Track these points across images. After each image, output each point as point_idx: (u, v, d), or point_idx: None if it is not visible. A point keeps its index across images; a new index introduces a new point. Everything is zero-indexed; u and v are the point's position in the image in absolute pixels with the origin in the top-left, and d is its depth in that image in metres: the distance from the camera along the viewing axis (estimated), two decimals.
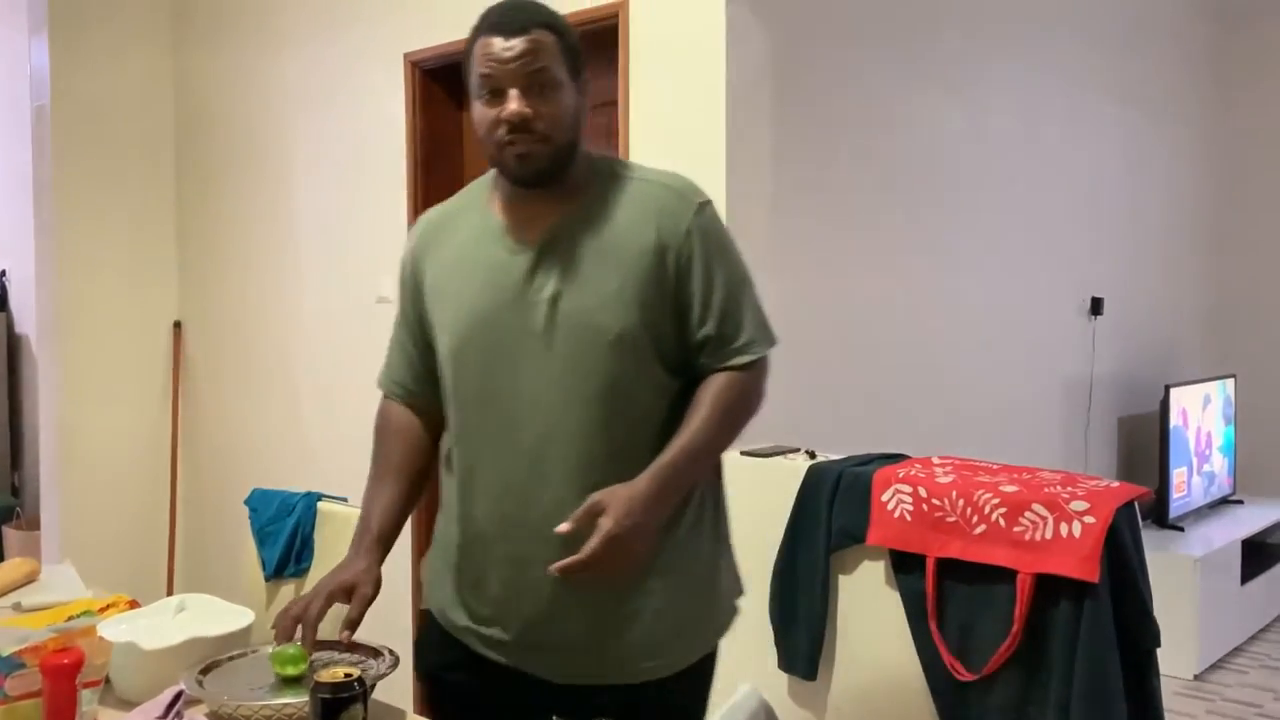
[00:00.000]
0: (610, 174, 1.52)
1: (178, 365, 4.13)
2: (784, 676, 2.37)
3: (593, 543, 1.34)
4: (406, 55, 3.18)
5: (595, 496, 1.37)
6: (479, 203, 1.57)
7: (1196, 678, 3.82)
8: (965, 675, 2.05)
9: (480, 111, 1.45)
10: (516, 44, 1.40)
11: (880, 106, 3.20)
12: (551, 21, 1.45)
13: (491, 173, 1.55)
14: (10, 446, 5.15)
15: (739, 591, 1.65)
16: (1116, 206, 4.52)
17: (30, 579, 2.36)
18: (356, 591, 1.49)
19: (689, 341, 1.49)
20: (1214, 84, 5.30)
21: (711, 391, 1.48)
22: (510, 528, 1.48)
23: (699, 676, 1.56)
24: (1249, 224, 5.35)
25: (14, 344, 5.19)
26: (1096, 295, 4.32)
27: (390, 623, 3.18)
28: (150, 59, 4.08)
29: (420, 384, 1.63)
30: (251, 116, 3.81)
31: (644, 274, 1.46)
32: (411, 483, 1.63)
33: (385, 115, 3.27)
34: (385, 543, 1.58)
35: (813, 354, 2.98)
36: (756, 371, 1.52)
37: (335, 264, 3.51)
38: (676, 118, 2.57)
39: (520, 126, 1.41)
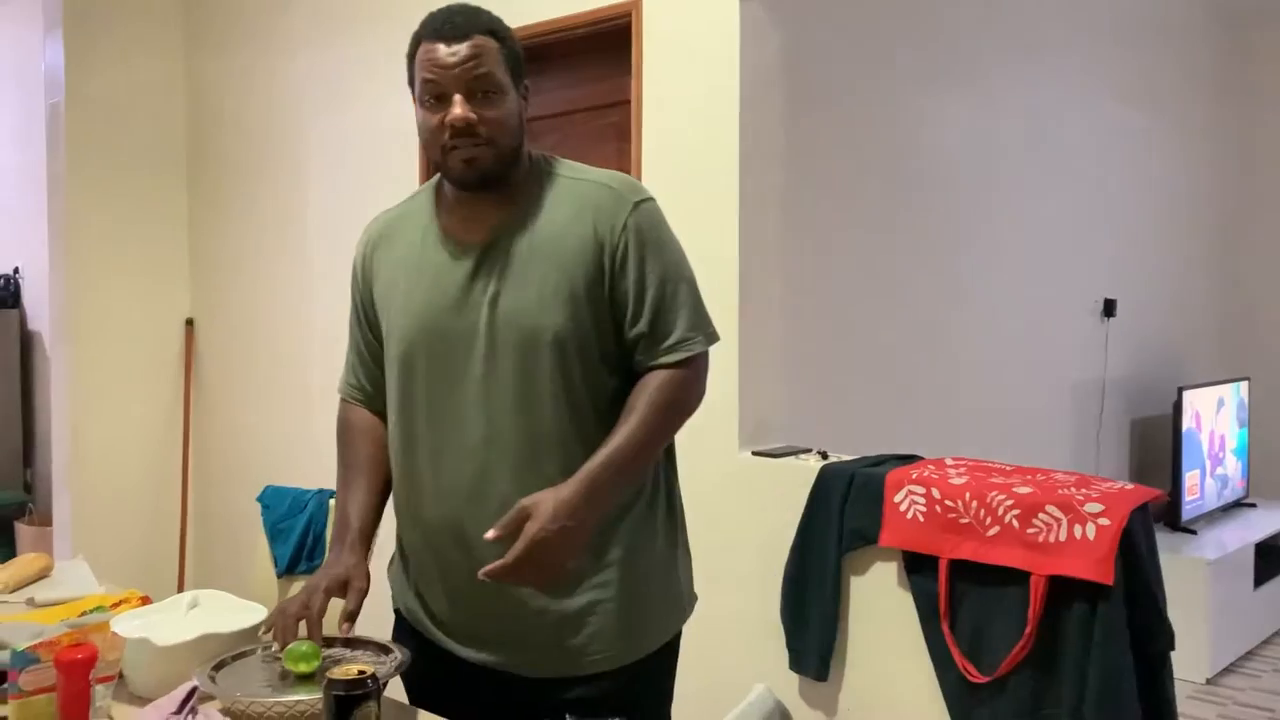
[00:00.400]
0: (551, 175, 1.54)
1: (189, 363, 4.15)
2: (796, 677, 2.37)
3: (517, 547, 1.35)
4: (407, 64, 3.17)
5: (523, 501, 1.39)
6: (425, 207, 1.59)
7: (1209, 681, 3.81)
8: (978, 677, 2.04)
9: (423, 116, 1.47)
10: (459, 49, 1.42)
11: (893, 107, 3.19)
12: (493, 27, 1.47)
13: (437, 177, 1.57)
14: (23, 443, 5.17)
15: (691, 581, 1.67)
16: (1129, 208, 4.51)
17: (43, 574, 2.37)
18: (351, 585, 1.51)
19: (625, 337, 1.51)
20: (1227, 86, 5.28)
21: (645, 392, 1.48)
22: (458, 529, 1.50)
23: (660, 662, 1.58)
24: (1263, 226, 5.33)
25: (27, 341, 5.21)
26: (1109, 297, 4.31)
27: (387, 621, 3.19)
28: (163, 59, 4.09)
29: (378, 387, 1.65)
30: (263, 116, 3.82)
31: (581, 272, 1.47)
32: (383, 480, 1.64)
33: (398, 114, 3.27)
34: (367, 539, 1.60)
35: (824, 354, 2.98)
36: (693, 369, 1.52)
37: (345, 263, 3.50)
38: (689, 117, 2.57)
39: (464, 131, 1.43)
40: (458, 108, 1.42)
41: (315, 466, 3.55)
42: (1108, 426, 4.35)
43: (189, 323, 4.16)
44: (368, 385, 1.67)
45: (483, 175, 1.47)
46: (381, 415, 1.65)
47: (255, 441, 3.89)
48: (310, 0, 3.60)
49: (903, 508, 2.16)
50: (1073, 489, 2.01)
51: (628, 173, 2.64)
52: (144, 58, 4.03)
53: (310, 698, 1.41)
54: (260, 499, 2.53)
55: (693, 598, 1.65)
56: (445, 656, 1.58)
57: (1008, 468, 2.22)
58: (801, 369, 2.80)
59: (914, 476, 2.17)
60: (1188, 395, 4.21)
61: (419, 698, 1.64)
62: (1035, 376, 3.93)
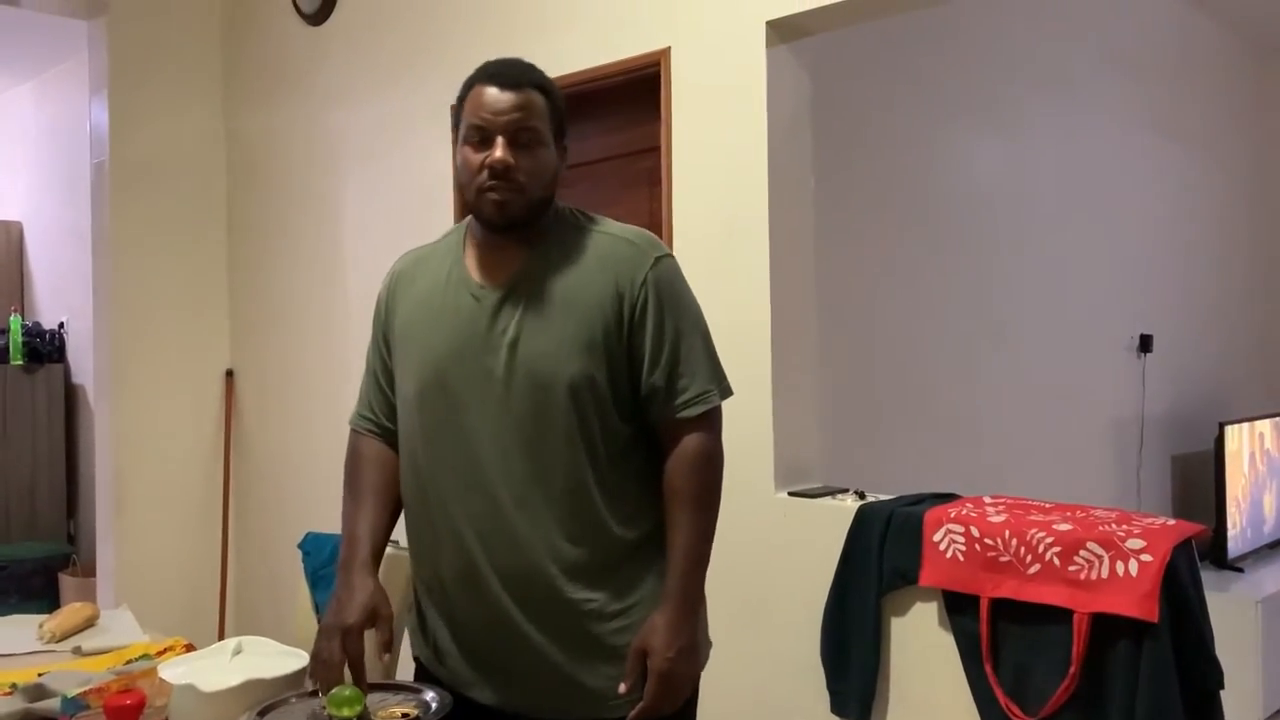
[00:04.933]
0: (577, 226, 1.59)
1: (230, 413, 4.20)
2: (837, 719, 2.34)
3: (652, 688, 1.43)
4: (453, 108, 3.24)
5: (635, 643, 1.46)
6: (452, 248, 1.63)
7: None
8: (1022, 718, 2.01)
9: (465, 155, 1.52)
10: (511, 97, 1.49)
11: (923, 147, 3.21)
12: (544, 84, 1.54)
13: (468, 219, 1.62)
14: (66, 495, 5.25)
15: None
16: (1164, 243, 4.49)
17: (89, 623, 2.40)
18: (379, 615, 1.51)
19: (640, 390, 1.54)
20: (1262, 117, 5.26)
21: (680, 485, 1.52)
22: (470, 569, 1.52)
23: (680, 710, 1.57)
24: None
25: (71, 394, 5.31)
26: (1145, 333, 4.28)
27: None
28: (203, 116, 4.20)
29: (393, 419, 1.67)
30: (301, 170, 3.90)
31: (600, 322, 1.51)
32: (393, 507, 1.66)
33: (433, 166, 3.33)
34: (378, 559, 1.60)
35: (858, 394, 2.98)
36: (710, 424, 1.56)
37: None
38: (719, 162, 2.60)
39: (501, 174, 1.48)
40: (499, 150, 1.48)
41: None
42: (1148, 463, 4.30)
43: (229, 374, 4.23)
44: (383, 418, 1.70)
45: (511, 219, 1.52)
46: (393, 448, 1.67)
47: (295, 489, 3.93)
48: (345, 56, 3.69)
49: (942, 547, 2.15)
50: (1114, 525, 1.99)
51: (659, 217, 2.67)
52: (186, 116, 4.14)
53: None
54: (302, 545, 2.56)
55: (709, 644, 1.65)
56: (464, 702, 1.58)
57: (1047, 505, 2.20)
58: (837, 408, 2.80)
59: (952, 515, 2.16)
60: (1229, 430, 4.15)
61: None
62: (1072, 414, 3.90)
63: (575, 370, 1.49)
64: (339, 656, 1.48)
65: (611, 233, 1.58)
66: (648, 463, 1.57)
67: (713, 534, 1.56)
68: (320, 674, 1.49)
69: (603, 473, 1.52)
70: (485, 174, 1.48)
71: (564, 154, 1.58)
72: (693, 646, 1.48)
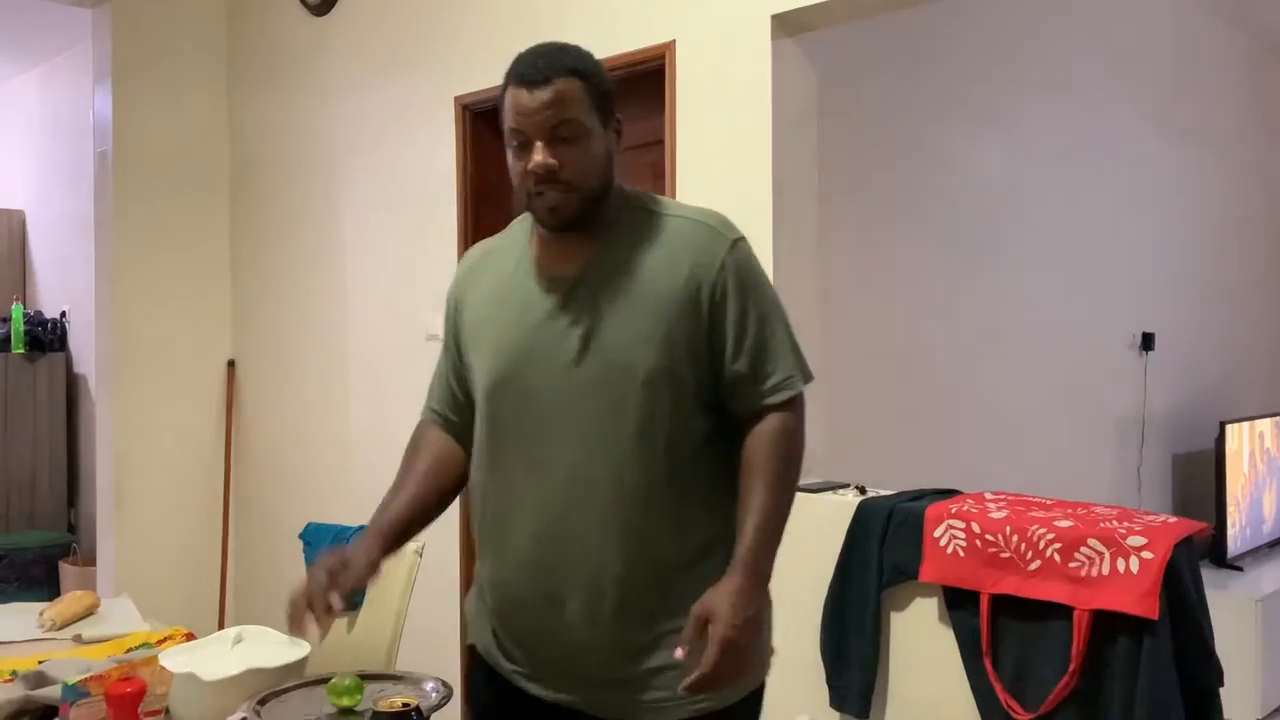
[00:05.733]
0: (644, 211, 1.53)
1: (231, 403, 4.21)
2: (836, 714, 2.34)
3: (711, 654, 1.34)
4: (457, 98, 3.24)
5: (696, 609, 1.37)
6: (519, 239, 1.59)
7: None
8: (1022, 714, 2.02)
9: (511, 161, 1.48)
10: (541, 95, 1.42)
11: (926, 144, 3.21)
12: (578, 67, 1.46)
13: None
14: (67, 484, 5.25)
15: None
16: (1166, 242, 4.48)
17: (90, 612, 2.41)
18: (351, 563, 1.48)
19: (721, 379, 1.48)
20: (1263, 117, 5.25)
21: (761, 450, 1.46)
22: (540, 563, 1.48)
23: (746, 713, 1.54)
24: None
25: (73, 383, 5.31)
26: (1147, 331, 4.27)
27: (438, 657, 3.20)
28: (207, 106, 4.20)
29: (460, 414, 1.65)
30: (304, 160, 3.90)
31: (676, 311, 1.45)
32: (432, 495, 1.62)
33: (436, 157, 3.33)
34: (389, 534, 1.56)
35: (860, 390, 2.98)
36: (795, 411, 1.51)
37: (385, 303, 3.57)
38: (723, 157, 2.60)
39: (546, 178, 1.43)
40: (538, 154, 1.42)
41: (356, 503, 3.58)
42: (1149, 461, 4.30)
43: (231, 364, 4.23)
44: (449, 412, 1.66)
45: (565, 221, 1.46)
46: (457, 440, 1.64)
47: (296, 479, 3.93)
48: (349, 47, 3.68)
49: (943, 542, 2.15)
50: (1115, 522, 1.99)
51: None
52: (189, 105, 4.14)
53: None
54: (303, 536, 2.56)
55: (772, 650, 1.60)
56: (518, 695, 1.55)
57: (1048, 501, 2.20)
58: (838, 404, 2.80)
59: (953, 511, 2.16)
60: (1230, 429, 4.15)
61: None
62: (1074, 411, 3.90)
63: (652, 362, 1.44)
64: (301, 595, 1.45)
65: (684, 215, 1.53)
66: (720, 464, 1.51)
67: (788, 514, 1.49)
68: (292, 613, 1.45)
69: (674, 473, 1.46)
70: (531, 180, 1.44)
71: (616, 133, 1.51)
72: (759, 621, 1.39)
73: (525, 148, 1.44)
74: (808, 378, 1.53)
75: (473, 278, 1.63)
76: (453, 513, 3.40)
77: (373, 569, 1.50)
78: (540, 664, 1.53)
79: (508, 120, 1.46)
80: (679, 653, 1.35)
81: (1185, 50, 4.62)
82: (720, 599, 1.37)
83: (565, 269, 1.50)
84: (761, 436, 1.47)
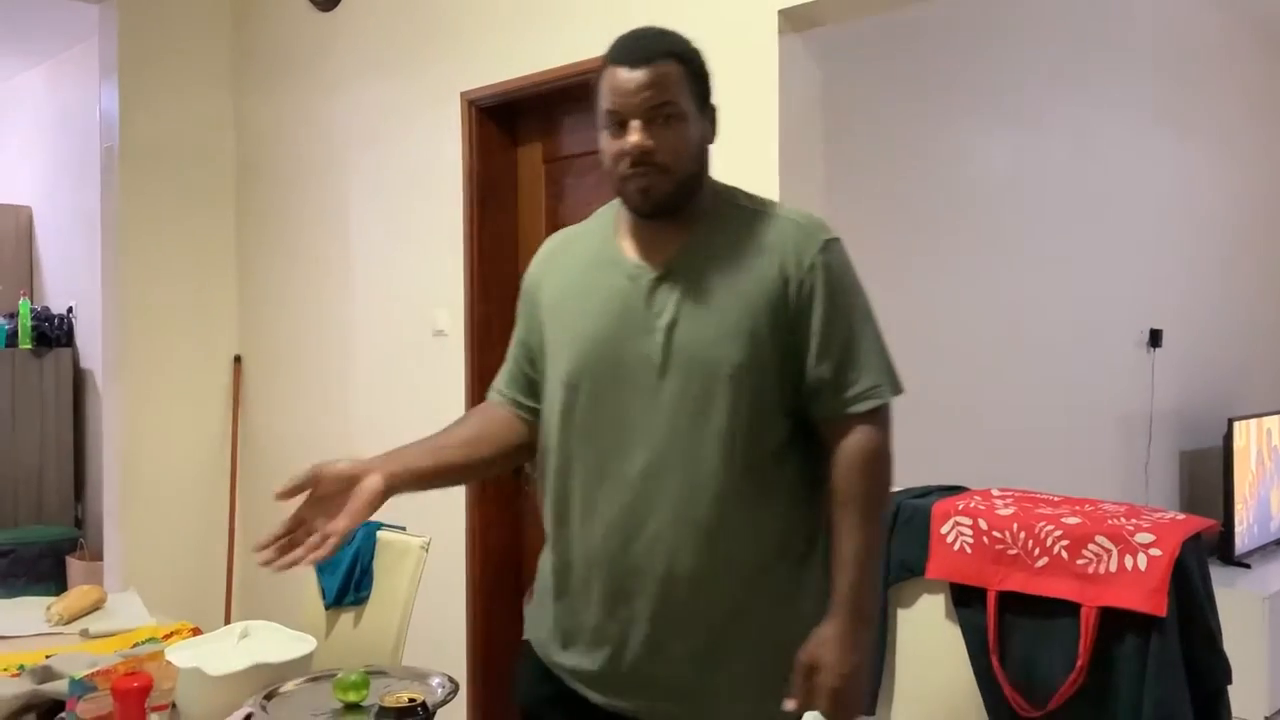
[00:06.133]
0: (736, 206, 1.50)
1: (237, 398, 4.21)
2: None
3: (820, 705, 1.33)
4: (463, 94, 3.24)
5: (802, 657, 1.36)
6: (604, 226, 1.55)
7: (1268, 719, 3.71)
8: (1029, 711, 2.01)
9: (605, 142, 1.44)
10: (640, 76, 1.40)
11: (933, 141, 3.20)
12: (679, 50, 1.44)
13: (618, 199, 1.53)
14: (74, 479, 5.26)
15: None
16: (1175, 238, 4.47)
17: (96, 607, 2.41)
18: (358, 493, 1.45)
19: (804, 382, 1.44)
20: (1274, 113, 5.23)
21: (853, 488, 1.42)
22: (610, 560, 1.44)
23: None
24: None
25: (79, 379, 5.32)
26: (1155, 327, 4.26)
27: (444, 653, 3.20)
28: (213, 101, 4.20)
29: (528, 398, 1.60)
30: (310, 156, 3.90)
31: (764, 307, 1.42)
32: (466, 459, 1.56)
33: (442, 153, 3.32)
34: (404, 464, 1.50)
35: None
36: (881, 422, 1.46)
37: (392, 300, 3.57)
38: (728, 153, 2.58)
39: (641, 159, 1.40)
40: (634, 135, 1.40)
41: None
42: (1156, 459, 4.29)
43: (237, 359, 4.23)
44: (514, 393, 1.62)
45: (659, 205, 1.44)
46: (518, 419, 1.60)
47: None
48: (355, 43, 3.68)
49: (950, 539, 2.14)
50: (1122, 519, 1.99)
51: None
52: (195, 101, 4.14)
53: None
54: None
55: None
56: (571, 699, 1.50)
57: (1055, 498, 2.20)
58: None
59: (960, 508, 2.15)
60: (1238, 426, 4.14)
61: None
62: (1081, 408, 3.89)
63: (737, 358, 1.40)
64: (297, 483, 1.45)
65: (776, 213, 1.50)
66: (800, 467, 1.48)
67: (882, 541, 1.46)
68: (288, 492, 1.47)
69: (752, 471, 1.42)
70: (625, 162, 1.41)
71: (713, 121, 1.49)
72: (863, 664, 1.36)
73: (621, 129, 1.41)
74: (897, 389, 1.48)
75: (553, 263, 1.59)
76: (459, 507, 3.42)
77: (376, 496, 1.45)
78: (602, 667, 1.47)
79: (604, 100, 1.43)
80: (790, 704, 1.34)
81: (1195, 43, 4.60)
82: (826, 646, 1.35)
83: (653, 258, 1.47)
84: (852, 461, 1.43)
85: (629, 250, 1.49)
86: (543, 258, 1.63)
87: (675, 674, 1.44)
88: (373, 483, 1.45)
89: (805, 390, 1.44)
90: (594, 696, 1.48)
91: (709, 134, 1.49)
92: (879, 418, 1.45)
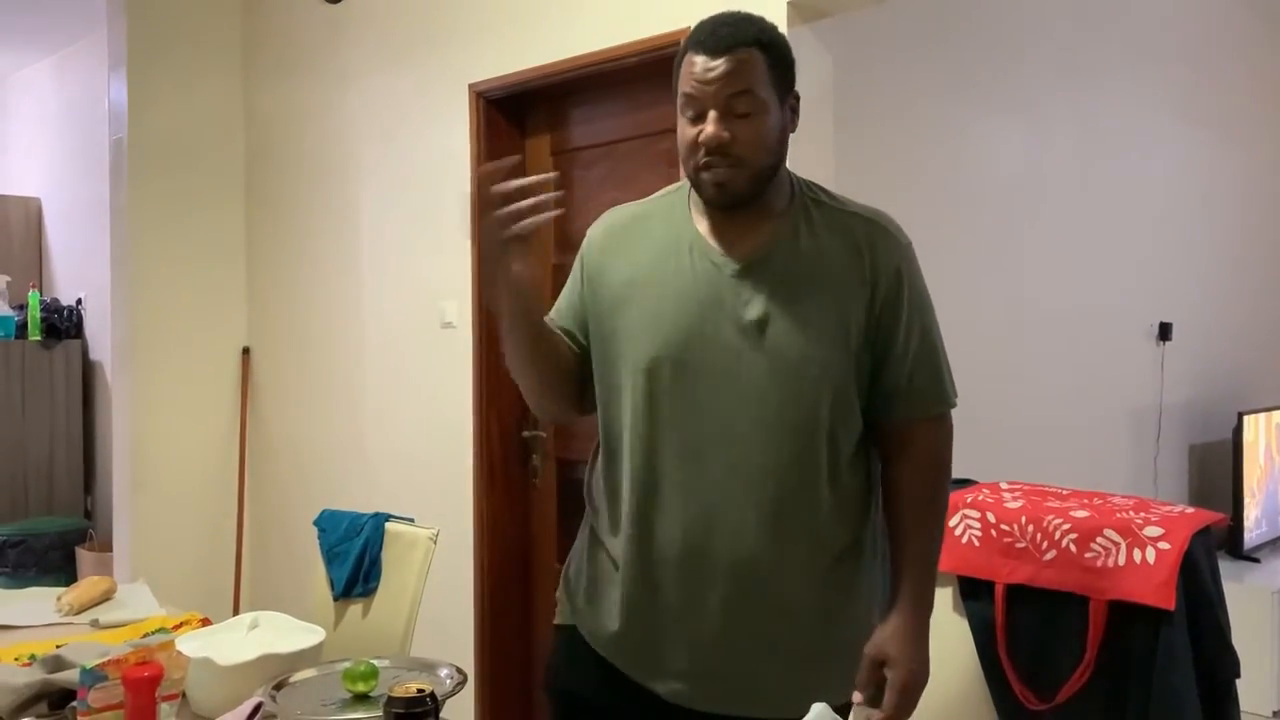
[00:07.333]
0: (815, 200, 1.49)
1: (246, 390, 4.22)
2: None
3: (891, 699, 1.35)
4: (471, 85, 3.23)
5: (870, 651, 1.37)
6: (675, 210, 1.51)
7: (1276, 714, 3.70)
8: (1036, 704, 2.01)
9: (682, 130, 1.42)
10: (720, 64, 1.36)
11: (943, 129, 3.18)
12: (761, 38, 1.40)
13: (686, 182, 1.50)
14: (84, 470, 5.29)
15: None
16: (1186, 230, 4.44)
17: (107, 597, 2.43)
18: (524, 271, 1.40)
19: (879, 385, 1.45)
20: None
21: (918, 489, 1.45)
22: (686, 554, 1.42)
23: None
24: None
25: (89, 371, 5.34)
26: (1165, 320, 4.24)
27: (453, 644, 3.21)
28: (222, 93, 4.20)
29: (581, 336, 1.55)
30: (319, 147, 3.90)
31: (853, 306, 1.42)
32: (546, 360, 1.50)
33: (450, 145, 3.32)
34: (539, 305, 1.47)
35: None
36: (943, 431, 1.49)
37: (401, 291, 3.57)
38: None
39: (716, 150, 1.37)
40: (711, 126, 1.36)
41: (370, 490, 3.59)
42: (1165, 452, 4.27)
43: (245, 351, 4.24)
44: (573, 329, 1.56)
45: (734, 198, 1.41)
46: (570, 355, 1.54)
47: (311, 466, 3.95)
48: (364, 34, 3.68)
49: (958, 532, 2.14)
50: (1131, 513, 1.98)
51: None
52: (204, 93, 4.15)
53: (369, 716, 1.43)
54: (317, 522, 2.57)
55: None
56: (620, 683, 1.49)
57: (1064, 492, 2.19)
58: None
59: (969, 501, 2.15)
60: (1248, 420, 4.13)
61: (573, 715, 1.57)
62: (1090, 401, 3.87)
63: (830, 357, 1.39)
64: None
65: (855, 210, 1.48)
66: (869, 465, 1.49)
67: (943, 540, 1.48)
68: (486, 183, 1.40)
69: (831, 467, 1.42)
70: (700, 152, 1.38)
71: (794, 112, 1.45)
72: (927, 657, 1.40)
73: (699, 118, 1.38)
74: (955, 396, 1.51)
75: (619, 241, 1.53)
76: (467, 499, 3.41)
77: (525, 289, 1.40)
78: (666, 653, 1.45)
79: (682, 86, 1.40)
80: (857, 696, 1.35)
81: (1208, 35, 4.58)
82: (894, 641, 1.37)
83: (737, 249, 1.44)
84: (921, 463, 1.46)
85: (710, 237, 1.46)
86: (604, 232, 1.57)
87: (743, 661, 1.44)
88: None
89: (878, 392, 1.46)
90: (656, 684, 1.46)
91: (790, 124, 1.45)
92: (946, 423, 1.49)
